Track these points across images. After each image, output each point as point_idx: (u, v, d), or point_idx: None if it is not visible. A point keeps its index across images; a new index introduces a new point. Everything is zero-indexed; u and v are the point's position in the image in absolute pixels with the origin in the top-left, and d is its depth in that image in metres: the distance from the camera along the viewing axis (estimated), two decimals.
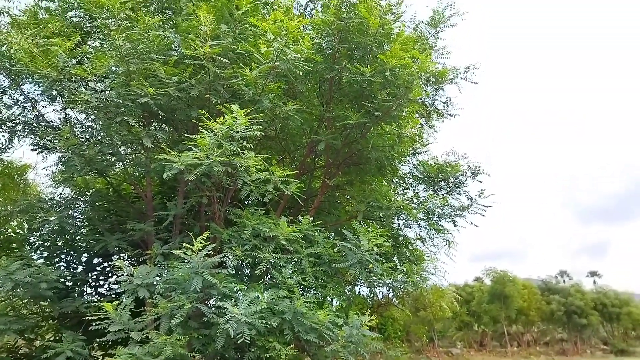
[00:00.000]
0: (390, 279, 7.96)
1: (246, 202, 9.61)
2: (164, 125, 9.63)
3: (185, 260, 6.56)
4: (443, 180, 9.38)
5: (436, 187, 9.55)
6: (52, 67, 7.06)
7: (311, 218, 8.39)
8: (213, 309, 6.82)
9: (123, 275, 7.31)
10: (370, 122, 8.68)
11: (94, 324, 6.58)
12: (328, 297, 7.98)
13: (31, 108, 8.94)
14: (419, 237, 10.39)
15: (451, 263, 10.13)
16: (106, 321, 6.67)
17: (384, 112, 8.32)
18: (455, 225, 9.07)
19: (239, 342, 6.00)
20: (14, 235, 9.95)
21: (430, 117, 10.80)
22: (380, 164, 9.65)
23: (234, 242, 7.54)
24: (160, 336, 6.38)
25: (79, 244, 9.96)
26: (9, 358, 9.25)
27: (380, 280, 8.04)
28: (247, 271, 8.61)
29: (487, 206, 8.98)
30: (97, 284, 10.17)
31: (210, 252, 6.71)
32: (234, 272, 7.51)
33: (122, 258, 9.95)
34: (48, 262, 9.19)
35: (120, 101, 6.99)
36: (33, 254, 9.33)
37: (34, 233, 9.57)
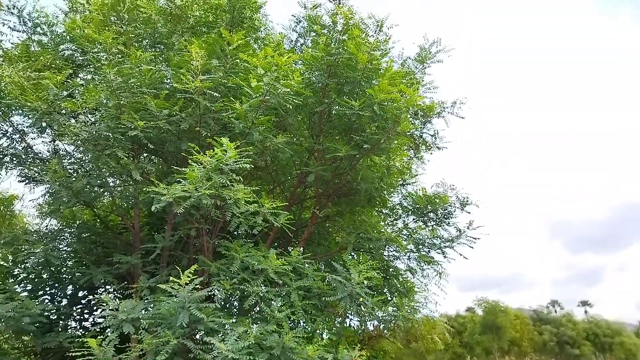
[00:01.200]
0: (381, 312, 7.88)
1: (235, 234, 9.56)
2: (153, 157, 9.65)
3: (172, 294, 6.45)
4: (432, 211, 9.43)
5: (425, 219, 9.58)
6: (42, 100, 7.11)
7: (301, 249, 8.37)
8: (200, 344, 6.66)
9: (108, 309, 7.15)
10: (360, 154, 8.78)
11: (77, 359, 6.39)
12: (318, 330, 7.84)
13: (20, 140, 8.93)
14: (409, 268, 10.35)
15: (442, 294, 10.04)
16: (90, 357, 6.49)
17: (372, 144, 8.43)
18: (444, 257, 9.08)
19: None
20: None
21: (418, 149, 10.94)
22: (370, 195, 9.70)
23: (222, 275, 7.46)
24: None
25: (64, 276, 9.77)
26: None
27: (371, 314, 7.96)
28: (236, 304, 8.47)
29: (475, 238, 9.02)
30: (82, 317, 9.93)
31: (198, 285, 6.62)
32: (222, 305, 7.41)
33: (107, 291, 9.78)
34: (32, 295, 8.99)
35: (110, 134, 7.03)
36: (17, 287, 9.12)
37: (19, 265, 9.38)
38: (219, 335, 6.51)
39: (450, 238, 9.25)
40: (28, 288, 9.41)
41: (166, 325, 6.82)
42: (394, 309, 8.01)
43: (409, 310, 8.62)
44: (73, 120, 7.53)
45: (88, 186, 8.29)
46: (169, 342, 6.24)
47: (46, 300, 9.44)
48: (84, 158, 8.80)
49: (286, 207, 8.86)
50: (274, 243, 9.57)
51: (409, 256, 9.31)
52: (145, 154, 9.15)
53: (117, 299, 8.08)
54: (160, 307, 6.81)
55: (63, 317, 9.47)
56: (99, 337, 6.76)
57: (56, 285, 9.84)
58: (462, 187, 9.54)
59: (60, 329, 8.91)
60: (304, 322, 7.93)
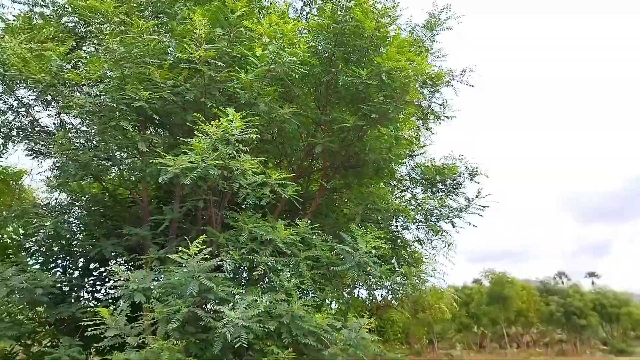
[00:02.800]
0: (389, 281, 7.92)
1: (243, 206, 9.58)
2: (159, 130, 9.60)
3: (182, 265, 6.51)
4: (441, 182, 9.36)
5: (434, 189, 9.53)
6: (45, 71, 7.03)
7: (309, 221, 8.36)
8: (210, 313, 6.76)
9: (119, 280, 7.25)
10: (367, 124, 8.67)
11: (90, 329, 6.52)
12: (326, 300, 7.93)
13: (25, 113, 8.90)
14: (417, 239, 10.35)
15: (450, 265, 10.05)
16: (102, 326, 6.62)
17: (380, 114, 8.31)
18: (453, 226, 9.05)
19: (236, 346, 5.94)
20: (9, 241, 9.87)
21: (427, 119, 10.79)
22: (378, 167, 9.63)
23: (230, 245, 7.50)
24: (157, 341, 6.33)
25: (75, 249, 9.88)
26: None
27: (379, 283, 8.01)
28: (245, 275, 8.55)
29: (484, 207, 8.96)
30: (94, 289, 10.09)
31: (207, 255, 6.67)
32: (231, 276, 7.48)
33: (118, 263, 9.89)
34: (44, 268, 9.12)
35: (115, 105, 6.96)
36: (29, 259, 9.26)
37: (30, 239, 9.50)
38: (229, 304, 6.60)
39: (459, 207, 9.21)
40: (40, 261, 9.55)
41: (177, 294, 6.90)
42: (402, 278, 8.04)
43: (417, 280, 8.67)
44: (78, 93, 7.46)
45: (95, 159, 8.31)
46: (180, 311, 6.33)
47: (58, 273, 9.59)
48: (90, 131, 8.76)
49: (293, 179, 8.84)
50: (281, 215, 9.57)
51: (417, 226, 9.30)
52: (151, 127, 9.10)
53: (128, 271, 8.18)
54: (171, 277, 6.89)
55: (75, 288, 9.63)
56: (110, 307, 6.90)
57: (68, 258, 9.96)
58: (471, 157, 9.44)
59: (73, 300, 9.08)
60: (312, 292, 8.02)
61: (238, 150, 6.65)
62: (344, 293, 9.17)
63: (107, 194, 10.33)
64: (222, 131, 6.46)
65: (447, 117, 10.35)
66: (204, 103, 7.60)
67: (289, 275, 7.29)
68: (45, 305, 8.67)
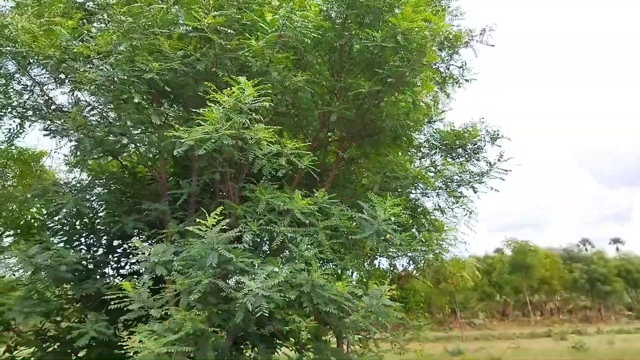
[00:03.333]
0: (409, 249, 7.80)
1: (261, 179, 9.51)
2: (173, 104, 9.52)
3: (201, 237, 6.50)
4: (461, 147, 9.08)
5: (454, 155, 9.26)
6: (55, 46, 6.95)
7: (326, 192, 8.25)
8: (232, 284, 6.78)
9: (141, 254, 7.30)
10: (383, 90, 8.40)
11: (113, 302, 6.62)
12: (347, 270, 7.88)
13: (40, 92, 8.90)
14: (437, 207, 10.15)
15: (471, 234, 9.84)
16: (125, 299, 6.71)
17: (397, 78, 8.03)
18: (475, 192, 8.82)
19: (257, 315, 5.95)
20: (33, 221, 10.05)
21: (445, 83, 10.43)
22: (395, 134, 9.39)
23: (248, 217, 7.45)
24: (179, 312, 6.38)
25: (98, 226, 10.02)
26: (38, 340, 9.46)
27: (399, 251, 7.90)
28: (265, 248, 8.53)
29: (506, 170, 8.69)
30: (119, 265, 10.27)
31: (225, 227, 6.65)
32: (250, 247, 7.46)
33: (140, 239, 10.00)
34: (68, 246, 9.27)
35: (126, 77, 6.87)
36: (53, 238, 9.43)
37: (53, 217, 9.65)
38: (249, 275, 6.59)
39: (480, 172, 8.96)
40: (64, 239, 9.71)
41: (197, 266, 6.94)
42: (422, 245, 7.91)
43: (437, 250, 8.54)
44: (89, 66, 7.38)
45: (110, 135, 8.31)
46: (201, 282, 6.35)
47: (82, 250, 9.75)
48: (104, 107, 8.74)
49: (309, 150, 8.67)
50: (299, 187, 9.47)
51: (437, 194, 9.08)
52: (164, 101, 9.02)
53: (150, 245, 8.26)
54: (191, 250, 6.91)
55: (100, 265, 9.80)
56: (133, 280, 6.98)
57: (91, 235, 10.12)
58: (491, 119, 9.10)
59: (98, 277, 9.24)
60: (332, 262, 7.95)
61: (252, 119, 6.53)
62: (365, 264, 9.09)
63: (126, 172, 10.40)
64: (234, 100, 6.32)
65: (467, 80, 9.99)
66: (215, 73, 7.45)
67: (308, 245, 7.23)
68: (71, 283, 8.84)
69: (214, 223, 6.31)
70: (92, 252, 9.98)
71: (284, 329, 6.57)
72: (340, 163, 9.48)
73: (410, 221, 9.32)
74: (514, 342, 28.69)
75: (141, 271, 7.43)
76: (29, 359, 9.25)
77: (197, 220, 6.70)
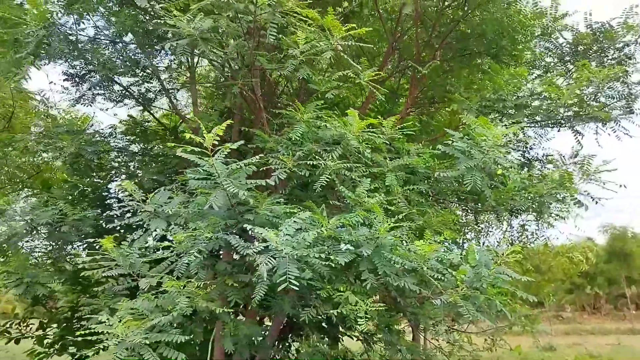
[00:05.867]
0: (531, 194, 4.93)
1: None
2: None
3: (200, 166, 4.17)
4: (599, 50, 5.99)
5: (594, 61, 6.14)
6: None
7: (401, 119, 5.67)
8: (250, 243, 4.43)
9: (135, 202, 5.15)
10: None
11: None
12: (429, 229, 5.17)
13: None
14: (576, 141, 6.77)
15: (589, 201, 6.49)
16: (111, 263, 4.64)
17: None
18: (631, 113, 5.68)
19: (280, 288, 3.53)
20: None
21: None
22: (497, 46, 6.50)
23: (282, 148, 5.07)
24: (171, 281, 4.14)
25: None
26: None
27: (514, 199, 5.01)
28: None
29: None
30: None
31: (254, 159, 4.32)
32: (283, 194, 5.13)
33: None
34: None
35: None
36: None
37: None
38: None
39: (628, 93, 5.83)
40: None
41: (208, 219, 4.68)
42: (556, 191, 4.97)
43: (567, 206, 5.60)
44: None
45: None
46: (200, 237, 4.08)
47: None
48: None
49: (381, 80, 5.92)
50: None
51: (571, 117, 5.87)
52: None
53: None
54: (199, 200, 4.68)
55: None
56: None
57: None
58: None
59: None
60: (406, 217, 5.27)
61: None
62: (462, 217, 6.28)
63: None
64: None
65: None
66: None
67: (370, 188, 4.70)
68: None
69: (214, 137, 3.91)
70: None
71: (332, 313, 4.08)
72: (416, 87, 6.71)
73: (526, 168, 6.35)
74: (616, 338, 25.08)
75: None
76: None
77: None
